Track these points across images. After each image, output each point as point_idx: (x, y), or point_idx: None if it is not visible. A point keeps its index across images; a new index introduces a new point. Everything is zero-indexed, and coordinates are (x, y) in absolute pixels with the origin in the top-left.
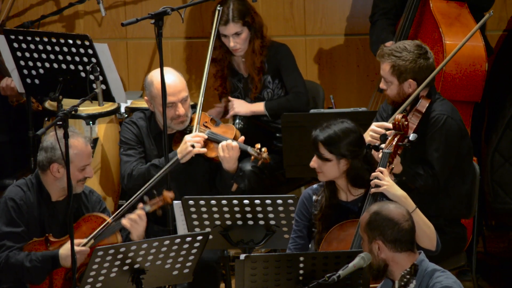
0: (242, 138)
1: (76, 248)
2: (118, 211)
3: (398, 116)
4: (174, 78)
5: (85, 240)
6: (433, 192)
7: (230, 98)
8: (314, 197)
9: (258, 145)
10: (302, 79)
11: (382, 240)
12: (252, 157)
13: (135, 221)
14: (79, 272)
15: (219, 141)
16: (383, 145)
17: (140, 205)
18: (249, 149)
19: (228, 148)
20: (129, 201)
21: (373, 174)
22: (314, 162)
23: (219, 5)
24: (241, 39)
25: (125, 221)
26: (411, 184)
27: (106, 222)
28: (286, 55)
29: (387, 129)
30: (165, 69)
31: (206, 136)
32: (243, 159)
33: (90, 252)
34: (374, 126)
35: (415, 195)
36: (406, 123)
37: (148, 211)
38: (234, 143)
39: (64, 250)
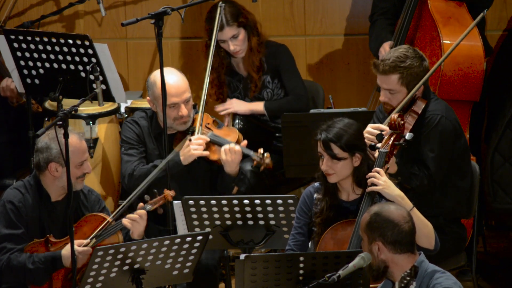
0: (245, 142)
1: (78, 248)
2: (117, 210)
3: (394, 115)
4: (177, 79)
5: (86, 241)
6: (429, 192)
7: (228, 99)
8: (315, 195)
9: (260, 150)
10: (302, 81)
11: (382, 241)
12: (255, 162)
13: (136, 220)
14: (80, 272)
15: (222, 144)
16: (379, 145)
17: (141, 204)
18: (252, 153)
19: (231, 152)
20: (128, 198)
21: (370, 174)
22: (325, 165)
23: (221, 3)
24: (239, 40)
25: (125, 221)
26: (407, 184)
27: (106, 221)
28: (285, 56)
29: (382, 131)
30: (169, 69)
31: (209, 139)
32: (243, 158)
33: (92, 252)
34: (369, 127)
35: (414, 195)
36: (402, 122)
37: (149, 210)
38: (237, 147)
39: (67, 251)
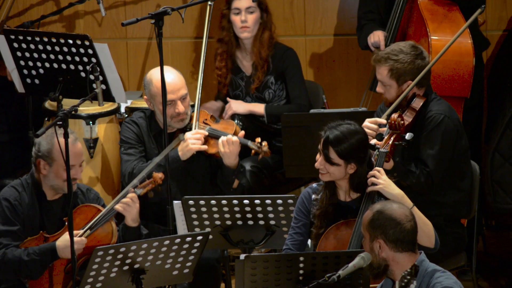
0: (242, 132)
1: (74, 238)
2: (112, 202)
3: (394, 115)
4: (173, 76)
5: (81, 231)
6: (425, 191)
7: (228, 99)
8: (313, 196)
9: (258, 139)
10: (306, 90)
11: (383, 239)
12: (253, 152)
13: (128, 204)
14: (77, 263)
15: (219, 136)
16: (379, 144)
17: (131, 189)
18: (249, 143)
19: (229, 143)
20: (123, 191)
21: (370, 173)
22: (319, 164)
23: (210, 1)
24: (252, 18)
25: (117, 206)
26: (403, 181)
27: (100, 212)
28: (293, 61)
29: (380, 124)
30: (164, 67)
31: (207, 133)
32: (242, 158)
33: (88, 243)
34: (367, 122)
35: (414, 195)
36: (402, 122)
37: (139, 194)
38: (234, 138)
39: (61, 241)
